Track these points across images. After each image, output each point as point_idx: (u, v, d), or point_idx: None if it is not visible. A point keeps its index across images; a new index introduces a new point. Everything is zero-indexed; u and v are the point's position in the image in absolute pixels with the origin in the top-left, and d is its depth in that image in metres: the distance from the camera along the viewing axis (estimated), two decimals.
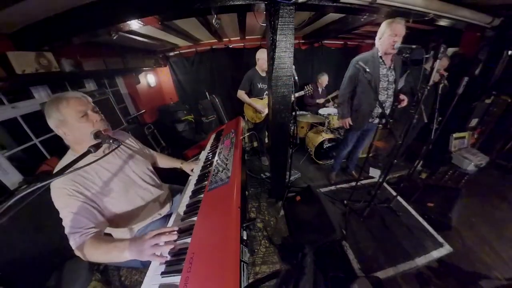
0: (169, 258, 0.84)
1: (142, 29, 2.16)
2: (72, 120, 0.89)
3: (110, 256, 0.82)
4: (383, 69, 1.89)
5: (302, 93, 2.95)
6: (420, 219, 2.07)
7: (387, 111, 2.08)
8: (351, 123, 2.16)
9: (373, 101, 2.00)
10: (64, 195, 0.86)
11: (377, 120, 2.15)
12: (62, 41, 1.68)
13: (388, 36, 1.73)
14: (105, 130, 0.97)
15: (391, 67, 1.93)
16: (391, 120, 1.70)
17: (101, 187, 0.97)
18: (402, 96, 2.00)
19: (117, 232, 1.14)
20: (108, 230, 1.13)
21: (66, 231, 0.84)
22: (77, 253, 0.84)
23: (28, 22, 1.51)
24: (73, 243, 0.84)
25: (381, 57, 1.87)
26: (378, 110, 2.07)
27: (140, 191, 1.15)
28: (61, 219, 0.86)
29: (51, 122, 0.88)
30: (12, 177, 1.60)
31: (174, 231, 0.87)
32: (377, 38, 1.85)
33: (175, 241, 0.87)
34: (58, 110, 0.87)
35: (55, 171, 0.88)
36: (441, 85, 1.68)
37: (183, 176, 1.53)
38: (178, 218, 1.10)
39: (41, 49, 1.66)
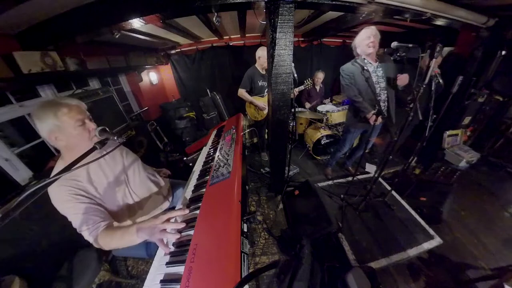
0: (172, 249, 0.90)
1: (144, 27, 2.18)
2: (70, 127, 0.88)
3: (124, 241, 0.86)
4: (371, 66, 1.97)
5: (302, 87, 2.99)
6: (413, 212, 2.15)
7: (384, 105, 2.09)
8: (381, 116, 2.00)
9: (372, 97, 2.02)
10: (66, 201, 0.87)
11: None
12: (66, 40, 1.71)
13: (364, 40, 1.84)
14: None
15: (378, 64, 2.00)
16: (385, 115, 1.76)
17: (99, 186, 0.99)
18: (401, 76, 1.97)
19: None
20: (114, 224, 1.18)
21: (78, 230, 0.88)
22: (95, 245, 0.89)
23: (32, 22, 1.54)
24: (88, 238, 0.88)
25: (364, 59, 1.94)
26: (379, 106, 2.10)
27: (138, 186, 1.18)
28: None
29: (44, 127, 0.85)
30: (22, 173, 1.66)
31: (183, 214, 0.94)
32: (355, 47, 1.96)
33: (180, 232, 0.93)
34: (56, 116, 0.85)
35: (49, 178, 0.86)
36: (434, 82, 1.72)
37: (185, 171, 1.60)
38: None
39: (46, 49, 1.69)
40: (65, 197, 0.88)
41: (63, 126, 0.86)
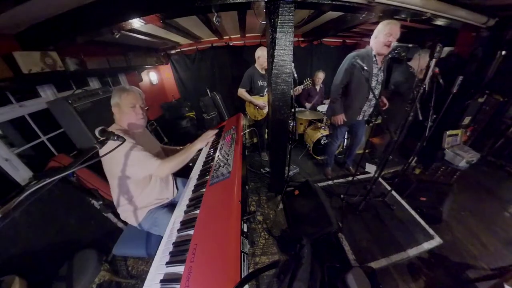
0: (172, 249, 0.91)
1: (144, 27, 2.18)
2: (124, 107, 1.21)
3: (184, 156, 1.32)
4: (375, 68, 1.95)
5: (301, 87, 3.00)
6: (413, 212, 2.14)
7: (370, 110, 2.19)
8: (345, 119, 2.20)
9: (364, 98, 2.06)
10: (136, 150, 1.14)
11: (361, 117, 2.23)
12: (66, 40, 1.70)
13: (384, 36, 1.77)
14: (140, 125, 1.31)
15: (382, 68, 1.99)
16: (375, 118, 1.78)
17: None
18: (385, 100, 2.09)
19: (127, 213, 1.31)
20: (120, 211, 1.32)
21: (147, 161, 1.18)
22: (158, 171, 1.21)
23: (32, 22, 1.54)
24: (153, 166, 1.19)
25: (375, 55, 1.92)
26: (366, 107, 2.15)
27: None
28: (71, 212, 0.92)
29: (112, 101, 1.22)
30: (22, 174, 1.65)
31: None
32: (372, 37, 1.89)
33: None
34: (120, 96, 1.20)
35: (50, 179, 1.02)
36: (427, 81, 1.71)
37: (185, 171, 1.60)
38: (182, 210, 1.15)
39: (46, 49, 1.69)
40: (134, 146, 1.14)
41: (121, 104, 1.21)
